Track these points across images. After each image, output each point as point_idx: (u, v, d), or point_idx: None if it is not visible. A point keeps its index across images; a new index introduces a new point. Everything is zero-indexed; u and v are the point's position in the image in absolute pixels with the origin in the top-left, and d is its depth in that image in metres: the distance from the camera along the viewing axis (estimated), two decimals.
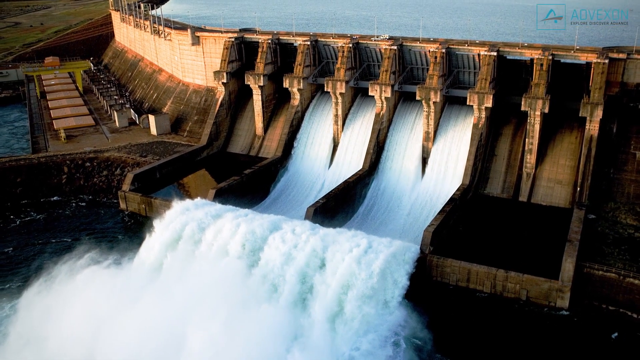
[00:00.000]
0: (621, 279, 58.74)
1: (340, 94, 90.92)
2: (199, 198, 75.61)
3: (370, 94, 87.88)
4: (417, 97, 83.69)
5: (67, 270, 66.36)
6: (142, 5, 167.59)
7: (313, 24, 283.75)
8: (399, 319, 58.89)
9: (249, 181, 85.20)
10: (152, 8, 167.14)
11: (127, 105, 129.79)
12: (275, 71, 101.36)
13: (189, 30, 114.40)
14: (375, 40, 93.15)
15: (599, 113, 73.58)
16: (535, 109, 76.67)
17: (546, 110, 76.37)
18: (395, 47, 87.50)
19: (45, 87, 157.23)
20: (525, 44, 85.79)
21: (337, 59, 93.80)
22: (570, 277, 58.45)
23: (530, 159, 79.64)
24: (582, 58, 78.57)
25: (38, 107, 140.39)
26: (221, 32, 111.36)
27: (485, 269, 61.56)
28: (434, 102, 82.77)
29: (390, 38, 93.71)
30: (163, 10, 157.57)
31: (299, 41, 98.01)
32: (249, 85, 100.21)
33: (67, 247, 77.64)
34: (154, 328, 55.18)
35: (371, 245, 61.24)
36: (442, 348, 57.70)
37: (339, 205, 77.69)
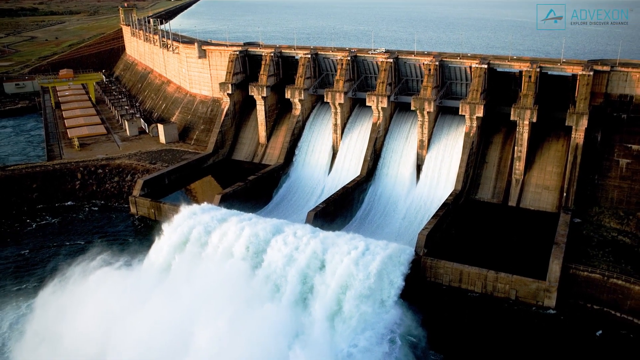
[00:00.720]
0: (605, 279, 58.90)
1: (339, 104, 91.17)
2: (205, 203, 75.76)
3: (367, 104, 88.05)
4: (412, 108, 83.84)
5: (81, 272, 66.31)
6: (151, 20, 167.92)
7: (313, 38, 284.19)
8: (394, 317, 58.83)
9: (252, 187, 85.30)
10: (161, 23, 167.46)
11: (137, 115, 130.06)
12: (278, 83, 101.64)
13: (195, 44, 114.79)
14: (372, 53, 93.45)
15: (584, 122, 73.76)
16: (524, 118, 76.92)
17: (534, 120, 76.62)
18: (391, 60, 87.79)
19: (59, 98, 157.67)
20: (515, 57, 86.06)
21: (336, 71, 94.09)
22: (557, 277, 58.54)
23: (519, 166, 79.83)
24: (568, 70, 78.88)
25: (53, 116, 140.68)
26: (226, 45, 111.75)
27: (476, 270, 61.65)
28: (427, 112, 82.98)
29: (387, 51, 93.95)
30: (171, 25, 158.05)
31: (300, 54, 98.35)
32: (252, 96, 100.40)
33: (81, 249, 77.62)
34: (162, 326, 55.14)
35: (368, 248, 61.27)
36: (436, 345, 57.78)
37: (338, 210, 77.77)
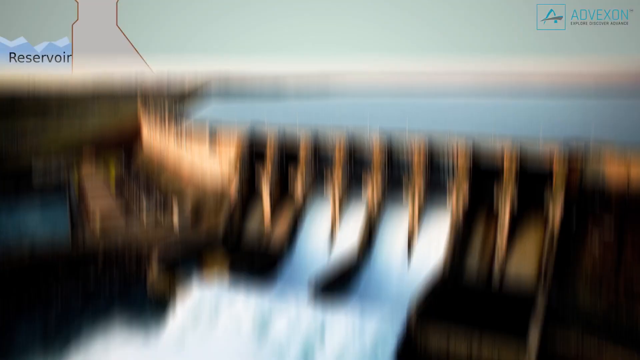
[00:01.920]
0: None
1: (337, 197, 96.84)
2: (215, 282, 79.90)
3: (362, 196, 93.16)
4: (403, 199, 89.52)
5: (101, 346, 69.17)
6: (166, 111, 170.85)
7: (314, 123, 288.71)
8: None
9: (259, 268, 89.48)
10: (175, 106, 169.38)
11: (153, 203, 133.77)
12: (281, 177, 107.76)
13: (207, 138, 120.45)
14: (367, 147, 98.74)
15: (559, 214, 78.07)
16: (505, 209, 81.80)
17: (514, 211, 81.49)
18: (384, 158, 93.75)
19: (83, 183, 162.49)
20: (498, 148, 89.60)
21: (334, 167, 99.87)
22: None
23: (501, 249, 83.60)
24: (546, 167, 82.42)
25: (77, 203, 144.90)
26: (234, 132, 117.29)
27: (461, 339, 65.14)
28: (417, 203, 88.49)
29: (380, 148, 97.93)
30: (185, 110, 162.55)
31: (301, 149, 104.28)
32: (258, 188, 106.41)
33: (102, 325, 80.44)
34: None
35: (364, 322, 65.35)
36: None
37: (337, 288, 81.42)
